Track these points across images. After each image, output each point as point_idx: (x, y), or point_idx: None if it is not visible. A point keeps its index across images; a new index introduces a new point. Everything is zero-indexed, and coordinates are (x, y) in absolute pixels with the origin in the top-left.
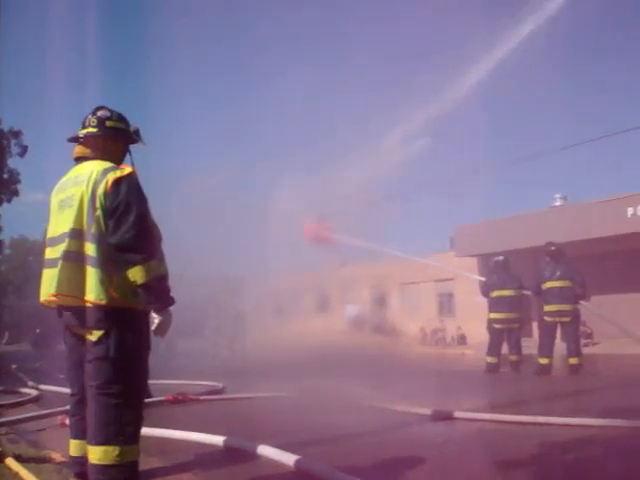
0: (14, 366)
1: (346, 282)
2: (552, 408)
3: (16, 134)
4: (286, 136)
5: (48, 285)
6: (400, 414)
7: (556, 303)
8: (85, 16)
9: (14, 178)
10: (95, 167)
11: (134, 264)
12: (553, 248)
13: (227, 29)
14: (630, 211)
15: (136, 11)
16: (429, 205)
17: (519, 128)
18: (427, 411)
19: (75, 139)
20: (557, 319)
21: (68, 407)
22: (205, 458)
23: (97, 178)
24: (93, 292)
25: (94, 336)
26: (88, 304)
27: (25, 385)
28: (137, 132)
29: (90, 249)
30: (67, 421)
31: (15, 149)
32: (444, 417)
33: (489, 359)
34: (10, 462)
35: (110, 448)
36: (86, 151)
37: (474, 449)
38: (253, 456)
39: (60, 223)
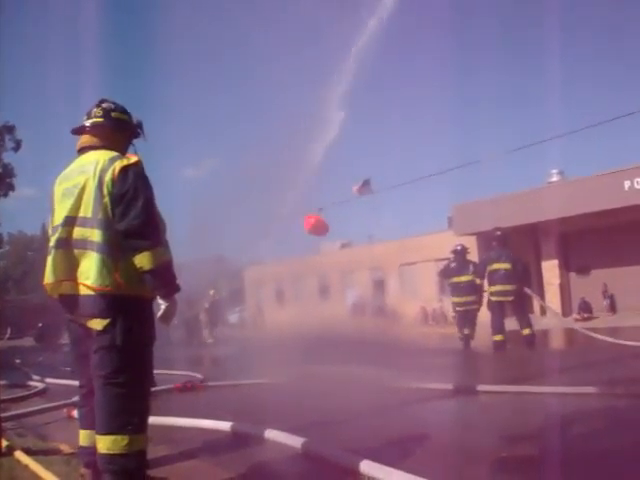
0: (18, 361)
1: (346, 265)
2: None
3: (10, 129)
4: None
5: (47, 272)
6: (403, 392)
7: (500, 283)
8: (80, 13)
9: (9, 172)
10: (101, 156)
11: (142, 250)
12: (499, 233)
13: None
14: (627, 184)
15: (126, 7)
16: (428, 185)
17: (517, 108)
18: (433, 386)
19: (81, 129)
20: (502, 298)
21: (74, 399)
22: (211, 445)
23: (104, 166)
24: (98, 278)
25: (99, 325)
26: (91, 292)
27: (30, 379)
28: (140, 125)
29: (96, 235)
30: (74, 413)
31: (9, 144)
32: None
33: (459, 335)
34: (19, 455)
35: (119, 437)
36: (93, 140)
37: (479, 425)
38: (260, 441)
39: (63, 211)
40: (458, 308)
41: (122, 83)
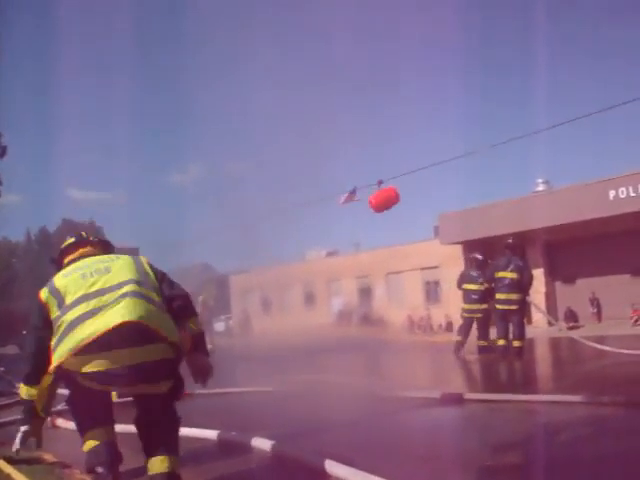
0: (1, 368)
1: (332, 273)
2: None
3: None
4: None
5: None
6: (391, 400)
7: (505, 292)
8: (71, 19)
9: None
10: (117, 254)
11: (194, 314)
12: (511, 241)
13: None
14: (612, 194)
15: (120, 11)
16: (414, 194)
17: (500, 115)
18: (420, 394)
19: (82, 243)
20: (505, 307)
21: (58, 407)
22: (198, 453)
23: (130, 256)
24: (173, 333)
25: (165, 387)
26: (166, 356)
27: (13, 387)
28: None
29: (155, 296)
30: (58, 422)
31: None
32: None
33: (456, 338)
34: (1, 464)
35: (173, 458)
36: (95, 251)
37: (464, 434)
38: (247, 449)
39: (97, 284)
40: (464, 314)
41: (112, 87)
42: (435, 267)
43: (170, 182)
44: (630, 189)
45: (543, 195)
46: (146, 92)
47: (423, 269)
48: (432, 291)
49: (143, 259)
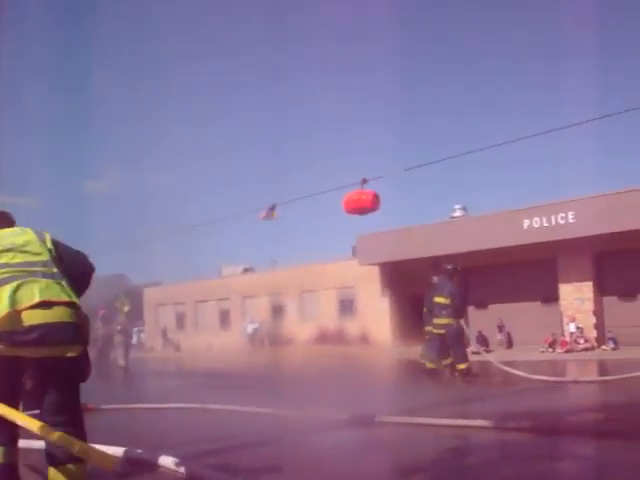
0: None
1: (247, 290)
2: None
3: None
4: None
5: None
6: (299, 421)
7: (436, 316)
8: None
9: None
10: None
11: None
12: (449, 267)
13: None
14: (526, 223)
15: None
16: (332, 213)
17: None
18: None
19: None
20: (435, 330)
21: None
22: (102, 471)
23: (34, 230)
24: (73, 295)
25: (76, 351)
26: (73, 320)
27: None
28: None
29: (56, 269)
30: None
31: None
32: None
33: (430, 365)
34: None
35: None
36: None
37: (369, 454)
38: (153, 467)
39: (7, 257)
40: (433, 330)
41: (27, 87)
42: (351, 287)
43: (85, 189)
44: (544, 219)
45: (460, 221)
46: (63, 95)
47: (339, 288)
48: (347, 309)
49: (47, 235)
